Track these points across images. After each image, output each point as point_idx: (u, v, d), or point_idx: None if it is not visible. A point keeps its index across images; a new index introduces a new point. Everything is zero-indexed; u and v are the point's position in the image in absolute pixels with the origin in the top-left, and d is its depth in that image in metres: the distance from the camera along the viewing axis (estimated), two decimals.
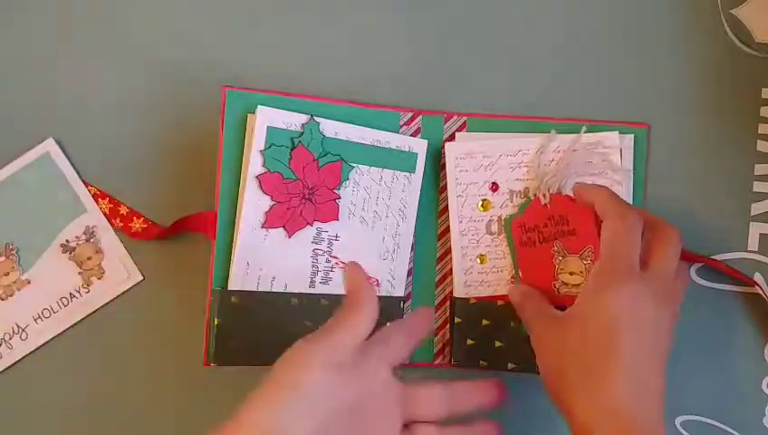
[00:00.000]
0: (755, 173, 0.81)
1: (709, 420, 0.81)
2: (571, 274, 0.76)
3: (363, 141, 0.77)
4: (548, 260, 0.76)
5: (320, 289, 0.77)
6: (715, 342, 0.81)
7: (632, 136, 0.80)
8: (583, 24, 0.81)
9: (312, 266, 0.77)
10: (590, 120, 0.80)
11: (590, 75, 0.81)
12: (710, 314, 0.81)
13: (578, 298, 0.69)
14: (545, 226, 0.77)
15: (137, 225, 0.79)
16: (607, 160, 0.78)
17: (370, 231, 0.78)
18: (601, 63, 0.81)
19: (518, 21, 0.81)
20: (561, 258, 0.76)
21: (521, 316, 0.75)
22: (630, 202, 0.79)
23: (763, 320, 0.81)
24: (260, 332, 0.75)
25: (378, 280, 0.78)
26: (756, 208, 0.81)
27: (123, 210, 0.80)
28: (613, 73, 0.81)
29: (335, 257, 0.77)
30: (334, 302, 0.76)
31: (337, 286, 0.77)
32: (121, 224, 0.80)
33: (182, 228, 0.79)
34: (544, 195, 0.77)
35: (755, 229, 0.81)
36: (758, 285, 0.80)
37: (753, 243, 0.81)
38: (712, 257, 0.80)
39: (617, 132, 0.78)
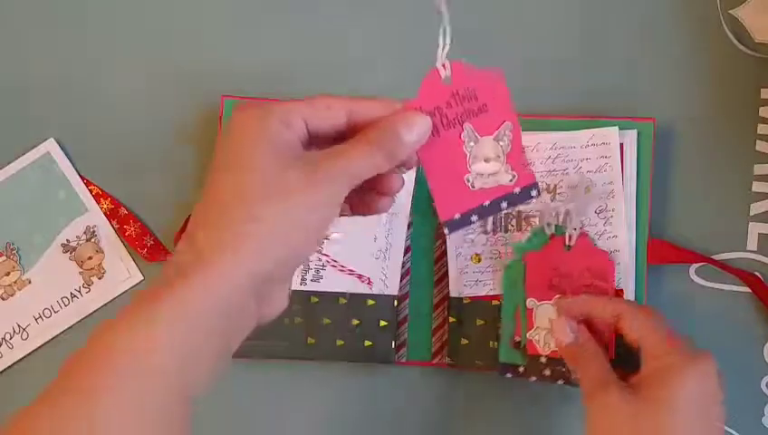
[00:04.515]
0: (755, 173, 0.80)
1: None
2: (486, 160, 0.61)
3: None
4: (457, 149, 0.60)
5: (310, 286, 0.77)
6: (715, 342, 0.80)
7: (635, 131, 0.78)
8: (583, 25, 0.81)
9: (303, 264, 0.77)
10: (592, 115, 0.80)
11: (590, 76, 0.81)
12: (710, 314, 0.81)
13: (650, 378, 0.65)
14: (449, 106, 0.59)
15: (131, 229, 0.80)
16: (605, 157, 0.77)
17: (362, 230, 0.78)
18: (601, 64, 0.81)
19: (519, 19, 0.81)
20: (472, 144, 0.61)
21: (574, 370, 0.72)
22: (632, 200, 0.78)
23: (762, 320, 0.80)
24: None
25: (369, 278, 0.78)
26: (755, 208, 0.80)
27: (122, 212, 0.80)
28: (612, 74, 0.81)
29: (326, 256, 0.78)
30: (324, 299, 0.77)
31: (327, 284, 0.78)
32: (117, 226, 0.80)
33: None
34: (444, 66, 0.59)
35: (754, 229, 0.80)
36: (755, 282, 0.79)
37: (753, 243, 0.80)
38: (711, 257, 0.80)
39: (616, 127, 0.78)
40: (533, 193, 0.62)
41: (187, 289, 0.49)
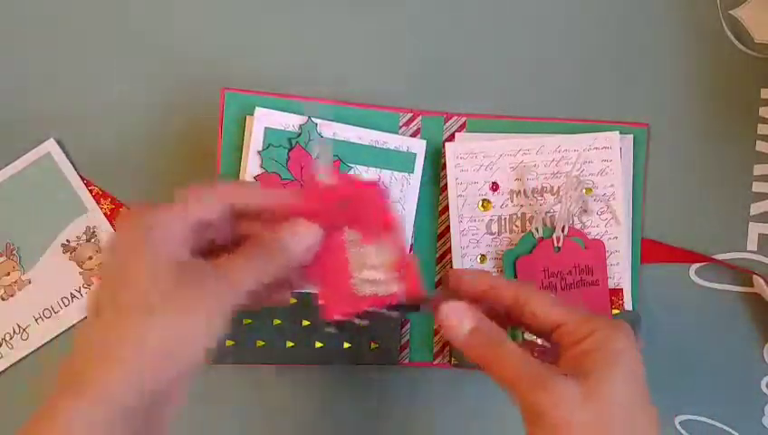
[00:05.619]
0: (754, 173, 0.81)
1: (709, 420, 0.81)
2: (371, 268, 0.61)
3: (361, 142, 0.77)
4: (341, 254, 0.61)
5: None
6: (715, 342, 0.81)
7: (631, 136, 0.80)
8: (583, 25, 0.81)
9: None
10: (590, 120, 0.80)
11: (591, 75, 0.81)
12: (709, 314, 0.81)
13: (594, 361, 0.55)
14: (331, 211, 0.60)
15: None
16: (607, 160, 0.78)
17: None
18: (601, 64, 0.81)
19: (518, 21, 0.81)
20: (358, 251, 0.61)
21: (483, 367, 0.59)
22: (629, 203, 0.79)
23: (762, 320, 0.81)
24: (257, 331, 0.75)
25: None
26: (755, 209, 0.81)
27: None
28: (613, 74, 0.81)
29: None
30: None
31: None
32: None
33: None
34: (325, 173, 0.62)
35: (754, 229, 0.81)
36: (760, 278, 0.80)
37: (753, 243, 0.81)
38: (711, 257, 0.80)
39: (617, 132, 0.78)
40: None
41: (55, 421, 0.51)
